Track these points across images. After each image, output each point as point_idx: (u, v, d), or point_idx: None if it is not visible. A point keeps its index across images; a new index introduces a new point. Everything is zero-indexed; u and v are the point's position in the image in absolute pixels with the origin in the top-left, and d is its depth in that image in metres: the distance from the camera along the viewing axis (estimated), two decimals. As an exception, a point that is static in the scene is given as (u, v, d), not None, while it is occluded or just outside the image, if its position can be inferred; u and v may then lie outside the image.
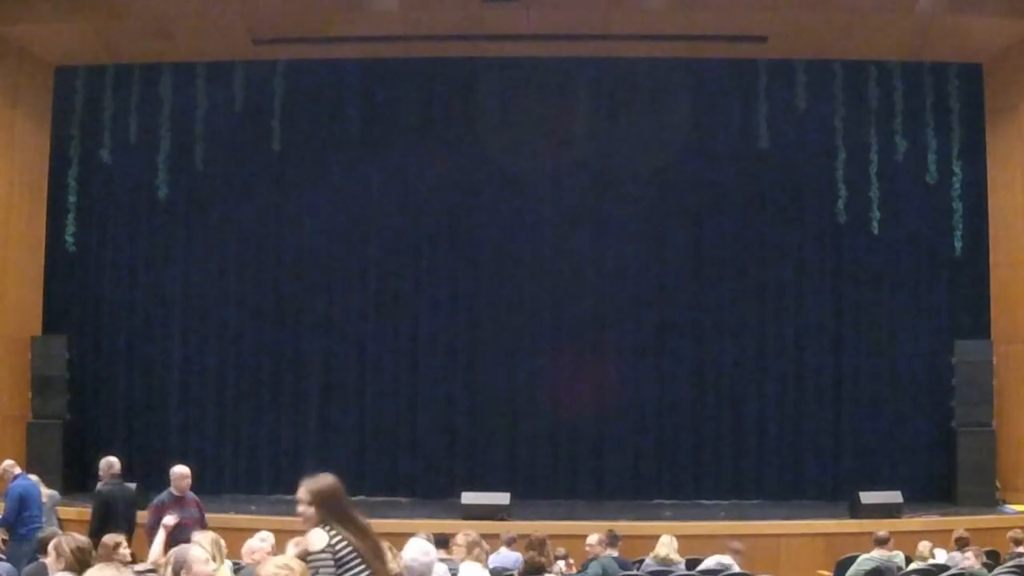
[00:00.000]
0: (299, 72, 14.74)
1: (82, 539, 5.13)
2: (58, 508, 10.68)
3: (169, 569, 4.49)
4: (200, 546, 5.13)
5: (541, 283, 14.84)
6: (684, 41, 14.02)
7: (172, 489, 8.93)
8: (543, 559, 7.68)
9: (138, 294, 14.93)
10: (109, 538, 6.48)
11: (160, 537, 8.07)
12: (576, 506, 13.70)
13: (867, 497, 12.30)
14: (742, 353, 14.69)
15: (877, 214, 14.43)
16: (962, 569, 8.51)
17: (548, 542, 8.16)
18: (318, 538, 4.52)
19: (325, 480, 4.68)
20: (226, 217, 14.95)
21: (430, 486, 14.39)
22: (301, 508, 4.66)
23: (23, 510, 9.40)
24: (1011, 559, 8.85)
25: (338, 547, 4.52)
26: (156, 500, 8.93)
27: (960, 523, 10.92)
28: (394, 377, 14.85)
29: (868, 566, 8.90)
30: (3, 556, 8.51)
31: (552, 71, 14.72)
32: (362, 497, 14.27)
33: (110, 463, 9.49)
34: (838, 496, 13.64)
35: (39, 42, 14.04)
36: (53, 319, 14.64)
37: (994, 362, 13.66)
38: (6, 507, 9.58)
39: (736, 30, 13.69)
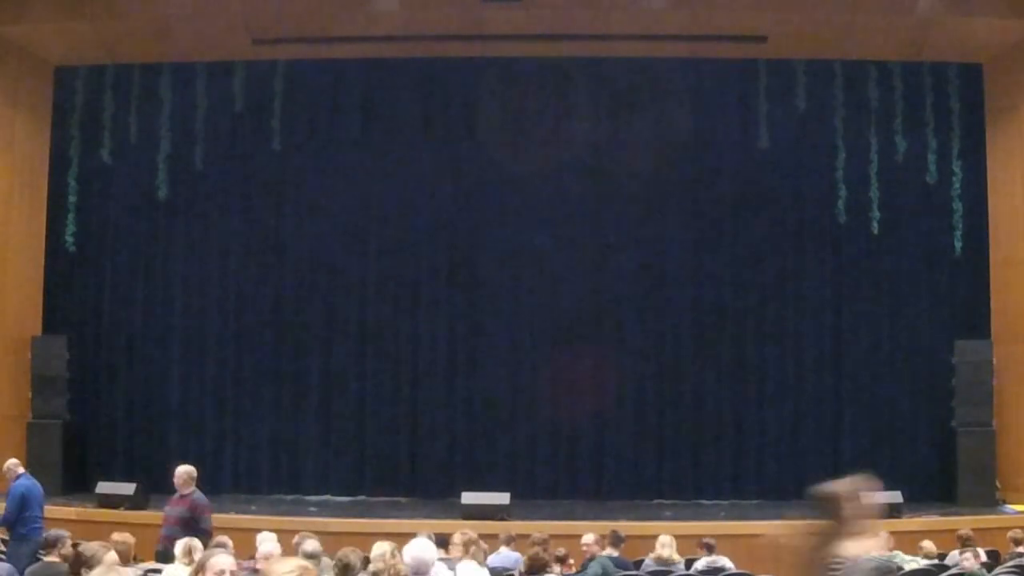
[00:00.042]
0: (299, 72, 14.74)
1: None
2: (44, 507, 10.67)
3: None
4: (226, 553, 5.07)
5: (541, 283, 14.83)
6: (684, 41, 14.01)
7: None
8: (546, 556, 7.74)
9: (138, 294, 14.93)
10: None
11: None
12: (576, 506, 13.68)
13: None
14: (742, 353, 14.69)
15: (877, 214, 14.43)
16: (962, 570, 8.50)
17: (549, 541, 8.20)
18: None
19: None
20: (226, 217, 14.95)
21: (430, 486, 14.38)
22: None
23: (24, 510, 9.41)
24: (1011, 559, 8.85)
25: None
26: None
27: (960, 523, 10.92)
28: (394, 377, 14.84)
29: (868, 566, 8.88)
30: (3, 556, 8.51)
31: (552, 71, 14.72)
32: (362, 497, 14.33)
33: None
34: (838, 496, 13.60)
35: (39, 42, 14.04)
36: (53, 319, 14.64)
37: (994, 362, 13.66)
38: (7, 506, 9.58)
39: (736, 30, 13.68)
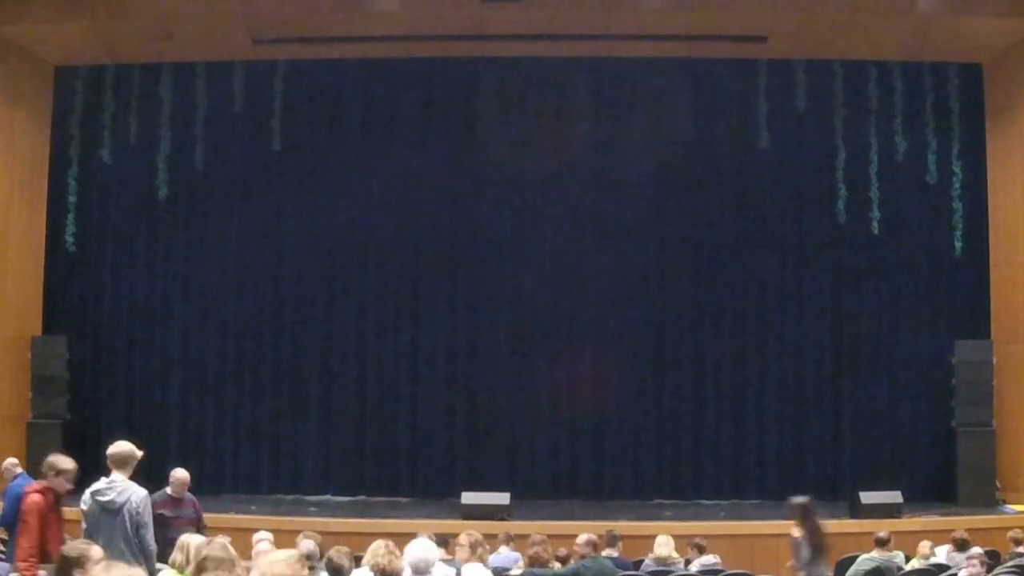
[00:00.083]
0: (299, 72, 14.74)
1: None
2: None
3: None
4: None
5: (541, 283, 14.83)
6: (684, 41, 14.01)
7: (168, 489, 8.93)
8: (546, 555, 7.79)
9: (138, 294, 14.93)
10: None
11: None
12: (576, 506, 13.68)
13: (867, 497, 12.30)
14: (742, 353, 14.69)
15: (877, 214, 14.43)
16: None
17: (548, 542, 8.22)
18: None
19: None
20: (226, 217, 14.94)
21: (430, 486, 14.39)
22: None
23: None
24: (1011, 559, 8.85)
25: None
26: (152, 497, 8.86)
27: (960, 523, 10.91)
28: (394, 377, 14.85)
29: (868, 566, 8.91)
30: (3, 555, 8.50)
31: (552, 71, 14.72)
32: (362, 497, 14.33)
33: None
34: (838, 496, 13.64)
35: (39, 42, 14.03)
36: (53, 319, 14.64)
37: (994, 362, 13.66)
38: (4, 506, 9.57)
39: (736, 30, 13.68)
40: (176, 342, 14.88)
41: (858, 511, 12.24)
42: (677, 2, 13.44)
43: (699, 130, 14.64)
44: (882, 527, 9.90)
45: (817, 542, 7.84)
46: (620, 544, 9.57)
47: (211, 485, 14.05)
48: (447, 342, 14.90)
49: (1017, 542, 9.50)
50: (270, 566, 3.80)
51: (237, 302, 14.94)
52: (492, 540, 9.32)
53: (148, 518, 6.66)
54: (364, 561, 5.69)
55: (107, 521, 6.49)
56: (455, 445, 14.74)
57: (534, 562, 7.69)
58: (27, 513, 6.91)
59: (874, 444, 14.36)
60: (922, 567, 9.04)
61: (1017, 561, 8.55)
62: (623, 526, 10.44)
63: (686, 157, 14.68)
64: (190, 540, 5.95)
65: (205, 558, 4.47)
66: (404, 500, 14.21)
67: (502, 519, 11.76)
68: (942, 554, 9.61)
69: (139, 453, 6.96)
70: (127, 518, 6.50)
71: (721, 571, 9.11)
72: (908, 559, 9.63)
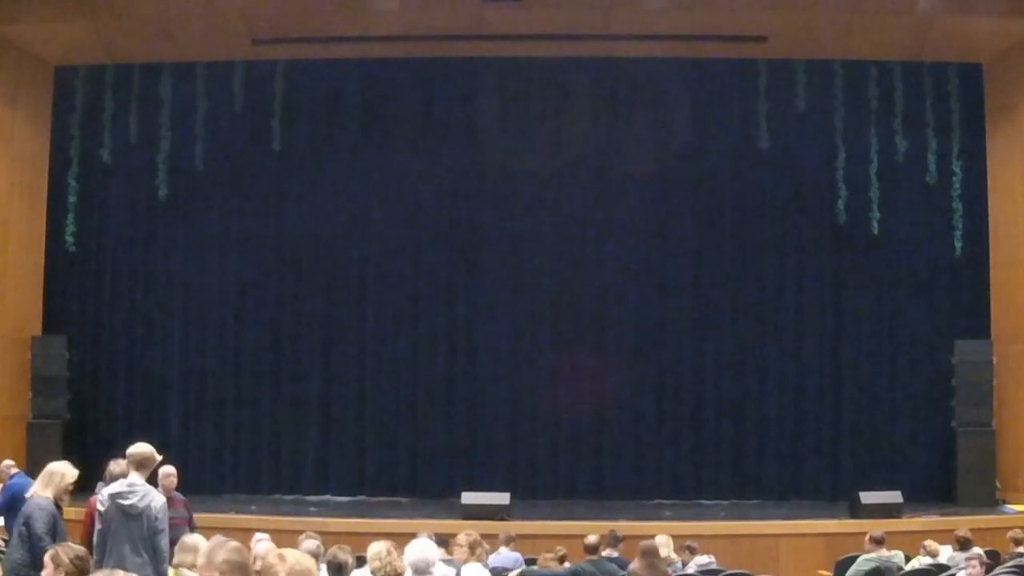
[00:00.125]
0: (299, 72, 14.74)
1: (79, 548, 5.06)
2: None
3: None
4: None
5: (541, 283, 14.84)
6: (684, 41, 14.01)
7: (159, 489, 8.81)
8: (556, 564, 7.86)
9: (138, 294, 14.93)
10: None
11: None
12: (576, 506, 13.69)
13: (867, 497, 12.30)
14: (742, 353, 14.69)
15: (877, 214, 14.43)
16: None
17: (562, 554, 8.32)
18: None
19: None
20: (226, 217, 14.95)
21: (430, 486, 14.38)
22: None
23: (16, 508, 9.38)
24: (1011, 559, 8.84)
25: None
26: None
27: (960, 523, 10.90)
28: (394, 377, 14.84)
29: (868, 566, 8.91)
30: (2, 555, 8.51)
31: (552, 71, 14.72)
32: (362, 497, 14.33)
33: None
34: (838, 496, 13.64)
35: (39, 42, 14.03)
36: (53, 319, 14.63)
37: (994, 362, 13.66)
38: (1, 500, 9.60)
39: (736, 30, 13.68)
40: (176, 342, 14.88)
41: (858, 511, 12.24)
42: (677, 2, 13.43)
43: (699, 130, 14.63)
44: (882, 527, 9.89)
45: None
46: (621, 545, 9.56)
47: (211, 485, 14.08)
48: (447, 342, 14.90)
49: (1017, 542, 9.49)
50: (297, 562, 3.73)
51: (237, 302, 14.94)
52: (492, 540, 9.32)
53: (165, 524, 6.64)
54: (367, 562, 5.69)
55: (126, 525, 6.46)
56: (455, 445, 14.73)
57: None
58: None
59: (874, 444, 14.36)
60: (922, 567, 9.03)
61: (1017, 561, 8.54)
62: (623, 526, 10.43)
63: (686, 157, 14.68)
64: (196, 540, 5.94)
65: (224, 561, 4.40)
66: (404, 500, 14.21)
67: (502, 519, 11.76)
68: (943, 554, 9.61)
69: (159, 457, 6.93)
70: (145, 524, 6.48)
71: (718, 571, 9.10)
72: (908, 559, 9.63)
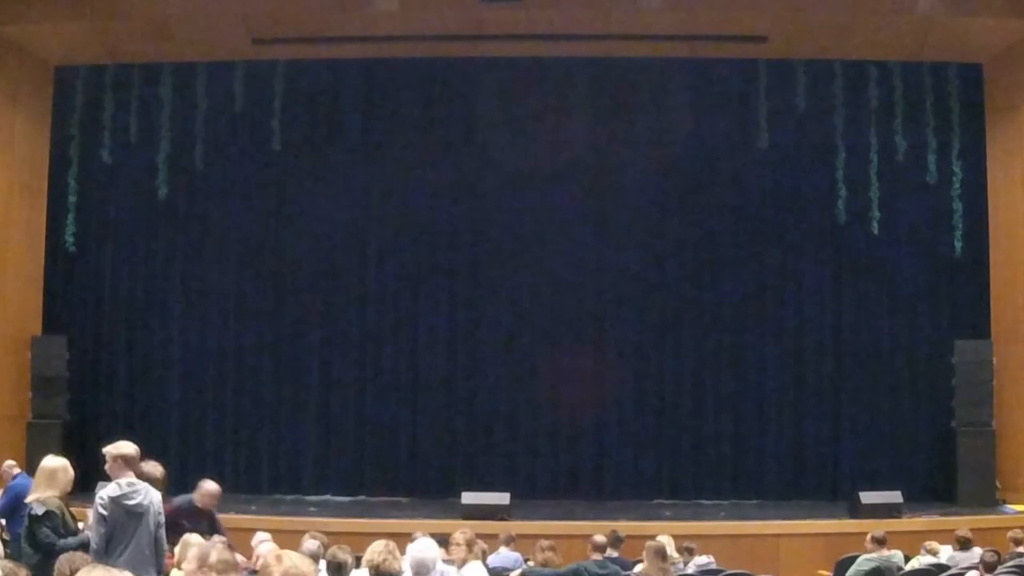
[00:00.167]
0: (299, 72, 14.74)
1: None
2: None
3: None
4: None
5: (541, 282, 14.83)
6: (684, 41, 14.01)
7: (195, 499, 8.48)
8: (557, 560, 7.84)
9: (138, 294, 14.93)
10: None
11: None
12: (576, 506, 13.68)
13: (867, 497, 12.30)
14: (742, 353, 14.69)
15: (877, 214, 14.43)
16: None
17: (556, 547, 8.30)
18: None
19: None
20: (226, 217, 14.94)
21: (430, 486, 14.38)
22: None
23: (20, 509, 9.39)
24: (1011, 559, 8.84)
25: None
26: (176, 502, 8.45)
27: (960, 523, 10.90)
28: (394, 377, 14.84)
29: (868, 566, 8.90)
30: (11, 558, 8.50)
31: (552, 71, 14.73)
32: (362, 497, 14.33)
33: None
34: (838, 496, 13.65)
35: (39, 42, 14.03)
36: (53, 319, 14.63)
37: (994, 362, 13.66)
38: (2, 501, 9.60)
39: (736, 30, 13.68)
40: (176, 342, 14.87)
41: (858, 511, 12.23)
42: (677, 2, 13.43)
43: (699, 130, 14.63)
44: (882, 527, 9.89)
45: None
46: (622, 545, 9.57)
47: (211, 485, 14.05)
48: (447, 342, 14.90)
49: (1017, 542, 9.49)
50: (294, 565, 3.71)
51: (237, 302, 14.94)
52: (492, 540, 9.32)
53: (163, 517, 6.65)
54: (363, 561, 5.69)
55: (133, 524, 6.45)
56: (455, 445, 14.73)
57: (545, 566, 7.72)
58: None
59: (874, 444, 14.35)
60: (922, 567, 9.03)
61: (1017, 561, 8.54)
62: (623, 526, 10.43)
63: (686, 157, 14.68)
64: (189, 538, 5.95)
65: (220, 561, 4.36)
66: (404, 500, 14.21)
67: (502, 519, 11.76)
68: (943, 554, 9.61)
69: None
70: (151, 520, 6.49)
71: (718, 571, 9.10)
72: (908, 559, 9.63)
